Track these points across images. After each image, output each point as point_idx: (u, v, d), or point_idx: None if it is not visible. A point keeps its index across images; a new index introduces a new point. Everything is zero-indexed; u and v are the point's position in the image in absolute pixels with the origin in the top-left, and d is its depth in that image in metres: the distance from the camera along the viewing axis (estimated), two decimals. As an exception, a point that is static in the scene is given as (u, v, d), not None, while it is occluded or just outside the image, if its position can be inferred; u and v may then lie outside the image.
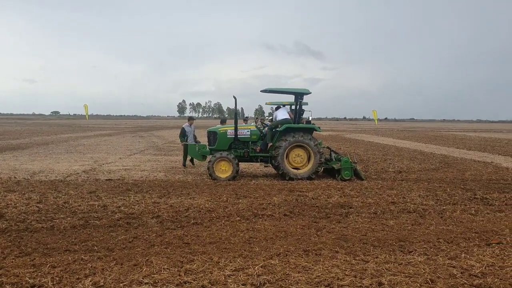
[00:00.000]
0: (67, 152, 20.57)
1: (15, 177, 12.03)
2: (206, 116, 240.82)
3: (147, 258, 5.33)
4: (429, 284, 4.56)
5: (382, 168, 15.16)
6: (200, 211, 8.06)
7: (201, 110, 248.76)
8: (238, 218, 7.62)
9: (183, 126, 15.18)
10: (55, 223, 7.12)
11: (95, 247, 5.88)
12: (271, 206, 8.60)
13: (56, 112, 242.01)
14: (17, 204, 8.35)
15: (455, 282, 4.61)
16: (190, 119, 15.67)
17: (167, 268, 4.97)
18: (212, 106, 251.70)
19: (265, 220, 7.56)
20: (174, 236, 6.47)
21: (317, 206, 8.63)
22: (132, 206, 8.37)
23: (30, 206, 8.20)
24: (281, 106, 13.02)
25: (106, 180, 11.89)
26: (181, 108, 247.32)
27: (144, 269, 4.94)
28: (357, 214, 8.09)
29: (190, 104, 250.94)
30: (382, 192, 10.34)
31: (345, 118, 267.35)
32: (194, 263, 5.15)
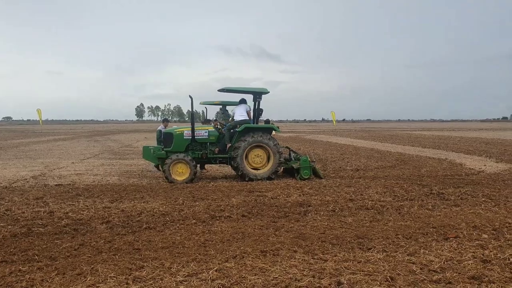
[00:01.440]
0: (16, 157, 19.49)
1: (-47, 185, 11.17)
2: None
3: (92, 266, 4.95)
4: (389, 281, 4.45)
5: (340, 167, 15.23)
6: (153, 215, 7.69)
7: (160, 113, 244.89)
8: (194, 221, 7.32)
9: (158, 128, 14.83)
10: (-6, 232, 6.57)
11: (36, 257, 5.42)
12: (229, 207, 8.34)
13: (8, 118, 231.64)
14: (-48, 214, 7.69)
15: (415, 279, 4.53)
16: (165, 121, 15.57)
17: (114, 277, 4.61)
18: (172, 109, 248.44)
19: (222, 222, 7.29)
20: (124, 242, 6.09)
21: (276, 206, 8.45)
22: (81, 212, 7.88)
23: (-33, 215, 7.57)
24: (244, 101, 12.77)
25: (56, 185, 11.26)
26: (140, 111, 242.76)
27: (88, 279, 4.56)
28: (315, 212, 7.97)
29: (148, 108, 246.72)
30: (340, 190, 10.31)
31: (305, 120, 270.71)
32: (144, 270, 4.81)
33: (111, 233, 6.62)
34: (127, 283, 4.42)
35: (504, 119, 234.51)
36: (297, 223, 7.19)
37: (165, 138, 12.44)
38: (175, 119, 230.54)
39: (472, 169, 14.50)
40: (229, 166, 12.78)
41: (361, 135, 44.45)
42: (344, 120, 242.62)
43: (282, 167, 12.40)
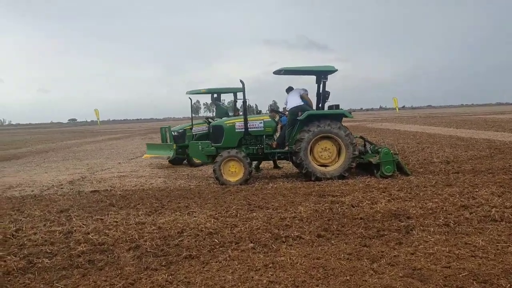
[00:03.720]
0: (63, 159, 18.49)
1: (-18, 194, 9.91)
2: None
3: None
4: None
5: (424, 159, 12.61)
6: (198, 235, 5.73)
7: (214, 109, 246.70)
8: (251, 244, 5.26)
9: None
10: (-16, 267, 4.88)
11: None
12: (297, 221, 6.22)
13: (73, 120, 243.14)
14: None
15: None
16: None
17: None
18: (226, 104, 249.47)
19: (291, 246, 5.18)
20: (152, 284, 4.17)
21: (361, 218, 6.21)
22: (106, 231, 6.08)
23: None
24: (292, 88, 10.61)
25: (91, 192, 9.67)
26: (196, 108, 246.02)
27: None
28: (421, 228, 5.65)
29: (204, 104, 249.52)
30: (440, 190, 7.88)
31: (361, 108, 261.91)
32: None
33: (137, 266, 4.72)
34: None
35: None
36: (401, 247, 4.94)
37: (213, 132, 10.52)
38: (230, 114, 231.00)
39: None
40: (290, 162, 10.61)
41: (430, 121, 40.56)
42: (404, 106, 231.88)
43: (356, 162, 10.03)
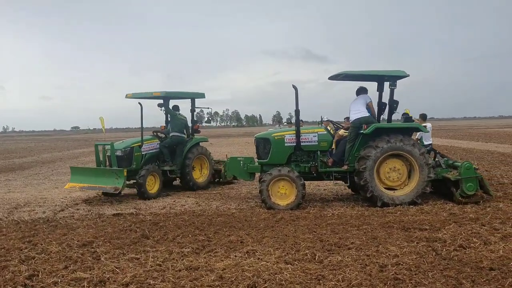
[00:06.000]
0: (73, 171, 16.94)
1: (-16, 216, 8.36)
2: (224, 125, 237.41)
3: None
4: None
5: (488, 179, 11.00)
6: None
7: (218, 119, 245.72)
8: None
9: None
10: None
11: None
12: (404, 270, 4.63)
13: (76, 127, 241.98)
14: None
15: None
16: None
17: None
18: (230, 114, 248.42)
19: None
20: None
21: (491, 269, 4.62)
22: (151, 282, 4.52)
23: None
24: (360, 94, 8.95)
25: (113, 215, 8.13)
26: (199, 117, 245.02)
27: None
28: None
29: (207, 114, 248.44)
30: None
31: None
32: None
33: None
34: None
35: None
36: None
37: (258, 146, 8.97)
38: (233, 123, 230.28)
39: None
40: (346, 184, 8.97)
41: (451, 135, 38.92)
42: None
43: (430, 185, 8.40)
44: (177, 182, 11.86)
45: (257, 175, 9.30)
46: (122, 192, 9.81)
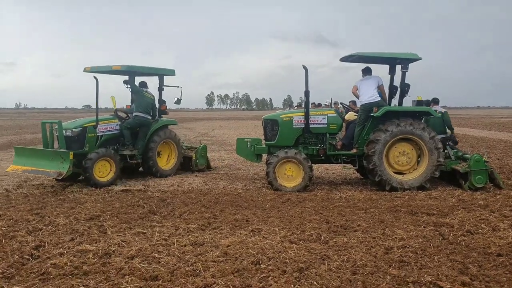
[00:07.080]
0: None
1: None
2: (234, 108, 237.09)
3: None
4: None
5: (500, 167, 10.86)
6: (284, 271, 4.14)
7: (229, 102, 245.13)
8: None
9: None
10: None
11: None
12: (410, 253, 4.60)
13: (88, 106, 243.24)
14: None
15: None
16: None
17: None
18: (240, 97, 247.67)
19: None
20: None
21: (499, 255, 4.57)
22: (156, 255, 4.54)
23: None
24: (368, 74, 8.76)
25: (122, 191, 8.19)
26: (210, 100, 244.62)
27: None
28: None
29: (218, 96, 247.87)
30: None
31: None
32: None
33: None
34: None
35: None
36: None
37: (266, 127, 8.91)
38: (243, 107, 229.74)
39: None
40: (354, 166, 8.88)
41: (463, 123, 38.42)
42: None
43: (439, 171, 8.31)
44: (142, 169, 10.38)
45: (264, 157, 9.24)
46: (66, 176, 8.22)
